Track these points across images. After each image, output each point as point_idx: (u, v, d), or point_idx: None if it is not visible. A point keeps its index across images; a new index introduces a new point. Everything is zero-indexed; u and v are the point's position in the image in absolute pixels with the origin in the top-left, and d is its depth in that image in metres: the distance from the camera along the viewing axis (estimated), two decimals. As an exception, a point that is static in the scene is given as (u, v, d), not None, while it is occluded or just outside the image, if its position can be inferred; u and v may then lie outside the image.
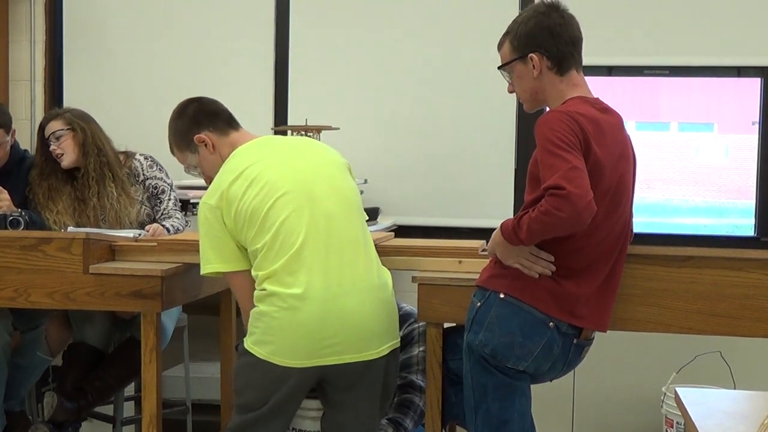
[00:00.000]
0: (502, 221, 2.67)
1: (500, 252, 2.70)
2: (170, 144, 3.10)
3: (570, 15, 2.78)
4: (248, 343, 2.77)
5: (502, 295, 2.68)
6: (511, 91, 2.89)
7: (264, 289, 2.73)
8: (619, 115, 2.78)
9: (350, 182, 2.98)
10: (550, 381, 2.86)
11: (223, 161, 2.91)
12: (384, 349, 2.81)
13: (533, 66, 2.75)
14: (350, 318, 2.73)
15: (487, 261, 2.83)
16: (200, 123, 2.98)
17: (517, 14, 2.94)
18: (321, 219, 2.76)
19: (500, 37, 2.87)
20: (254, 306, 2.77)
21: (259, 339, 2.73)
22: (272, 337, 2.71)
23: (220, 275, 2.87)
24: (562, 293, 2.65)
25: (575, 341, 2.72)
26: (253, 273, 2.78)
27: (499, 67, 2.87)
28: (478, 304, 2.72)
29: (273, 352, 2.70)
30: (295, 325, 2.68)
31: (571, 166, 2.48)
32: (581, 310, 2.68)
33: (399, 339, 2.93)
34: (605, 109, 2.74)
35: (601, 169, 2.60)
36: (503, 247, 2.68)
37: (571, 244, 2.62)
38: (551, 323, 2.66)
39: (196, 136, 2.97)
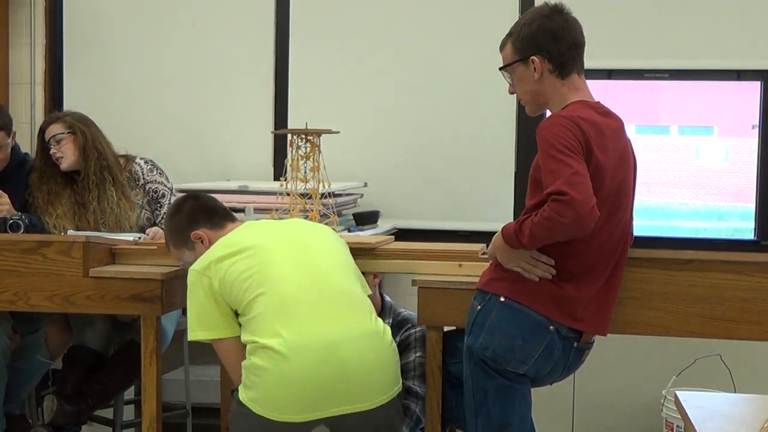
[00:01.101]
0: (504, 225, 2.68)
1: (501, 255, 2.70)
2: (166, 241, 3.09)
3: (573, 18, 2.78)
4: (243, 396, 2.67)
5: (502, 299, 2.68)
6: (511, 93, 2.90)
7: (255, 342, 2.65)
8: (620, 118, 2.79)
9: (345, 249, 2.95)
10: (550, 384, 2.86)
11: None
12: (388, 396, 2.74)
13: (534, 68, 2.75)
14: (350, 366, 2.64)
15: (487, 264, 2.84)
16: (197, 220, 2.96)
17: (518, 17, 2.94)
18: (314, 270, 2.75)
19: (502, 38, 2.87)
20: (246, 359, 2.70)
21: (255, 395, 2.64)
22: (266, 392, 2.62)
23: (207, 341, 2.83)
24: (562, 296, 2.65)
25: (575, 345, 2.73)
26: (242, 325, 2.73)
27: (500, 68, 2.87)
28: (478, 307, 2.72)
29: (270, 408, 2.61)
30: (291, 378, 2.60)
31: (574, 171, 2.48)
32: (582, 314, 2.69)
33: (401, 383, 2.87)
34: (606, 113, 2.75)
35: (602, 173, 2.61)
36: (504, 250, 2.68)
37: (572, 248, 2.62)
38: (551, 326, 2.66)
39: (193, 233, 2.96)
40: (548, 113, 2.83)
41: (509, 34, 2.83)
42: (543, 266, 2.65)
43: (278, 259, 2.75)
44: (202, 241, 2.95)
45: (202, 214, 2.97)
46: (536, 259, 2.65)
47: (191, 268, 2.81)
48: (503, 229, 2.66)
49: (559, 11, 2.77)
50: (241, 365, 2.72)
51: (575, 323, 2.69)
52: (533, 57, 2.74)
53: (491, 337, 2.67)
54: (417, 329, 3.24)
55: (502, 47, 2.86)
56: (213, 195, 3.16)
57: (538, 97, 2.79)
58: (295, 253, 2.77)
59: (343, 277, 2.81)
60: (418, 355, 3.24)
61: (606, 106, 2.79)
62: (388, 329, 2.84)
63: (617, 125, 2.76)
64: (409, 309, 3.44)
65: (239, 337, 2.75)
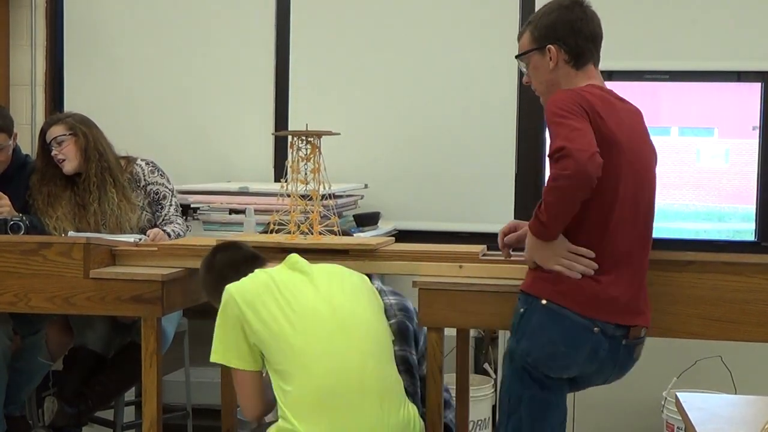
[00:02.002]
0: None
1: (538, 256, 2.62)
2: (204, 295, 3.08)
3: (592, 12, 2.78)
4: None
5: (543, 302, 2.60)
6: (527, 83, 2.88)
7: (292, 426, 2.62)
8: (637, 108, 2.76)
9: (380, 308, 2.91)
10: (604, 383, 2.78)
11: None
12: None
13: (550, 58, 2.74)
14: None
15: (480, 263, 2.82)
16: (226, 276, 2.90)
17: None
18: (353, 355, 2.69)
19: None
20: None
21: None
22: None
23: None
24: (604, 293, 2.58)
25: (624, 342, 2.65)
26: (275, 389, 2.70)
27: (516, 56, 2.85)
28: (522, 309, 2.65)
29: None
30: None
31: (571, 128, 2.45)
32: (624, 307, 2.62)
33: None
34: (621, 99, 2.73)
35: (616, 142, 2.55)
36: (537, 248, 2.61)
37: (605, 236, 2.57)
38: (596, 328, 2.58)
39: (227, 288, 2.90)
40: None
41: (528, 23, 2.82)
42: (583, 260, 2.57)
43: (316, 333, 2.69)
44: None
45: (230, 270, 2.91)
46: (574, 253, 2.57)
47: (228, 287, 2.78)
48: (529, 225, 2.61)
49: (579, 3, 2.76)
50: (255, 397, 2.75)
51: (621, 319, 2.61)
52: (550, 46, 2.73)
53: (533, 342, 2.61)
54: (392, 321, 3.20)
55: (520, 36, 2.84)
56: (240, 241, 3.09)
57: (553, 87, 2.76)
58: (334, 329, 2.71)
59: (380, 364, 2.75)
60: (396, 348, 3.20)
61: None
62: (419, 419, 2.82)
63: (633, 109, 2.74)
64: (396, 292, 3.41)
65: (260, 372, 2.76)
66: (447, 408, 3.39)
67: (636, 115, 2.75)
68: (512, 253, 3.02)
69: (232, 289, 2.76)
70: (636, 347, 2.72)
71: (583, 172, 2.40)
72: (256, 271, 2.84)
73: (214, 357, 2.78)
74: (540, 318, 2.61)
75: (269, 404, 2.82)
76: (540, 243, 2.60)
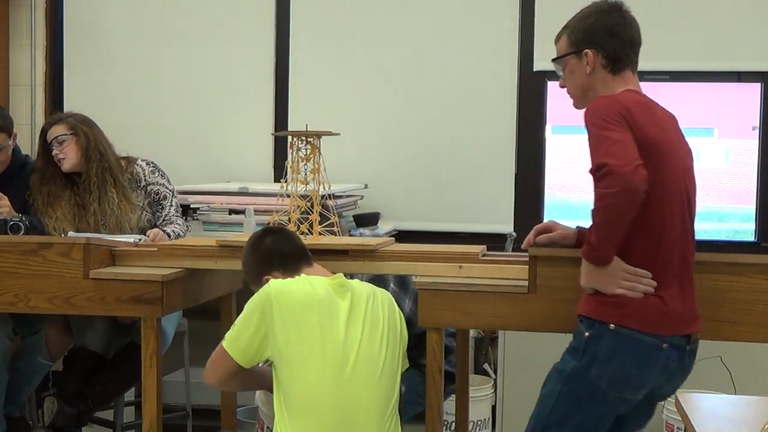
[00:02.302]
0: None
1: (596, 282, 2.57)
2: (243, 269, 3.06)
3: (631, 17, 2.78)
4: None
5: (612, 326, 2.55)
6: (562, 86, 2.83)
7: None
8: (674, 115, 2.75)
9: (400, 344, 2.87)
10: (673, 392, 2.74)
11: None
12: None
13: (587, 62, 2.72)
14: None
15: (479, 263, 2.82)
16: (270, 263, 2.91)
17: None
18: (362, 412, 2.71)
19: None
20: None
21: None
22: None
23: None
24: (668, 308, 2.54)
25: (688, 348, 2.62)
26: (276, 406, 2.74)
27: (553, 60, 2.83)
28: (587, 333, 2.60)
29: None
30: None
31: (611, 141, 2.42)
32: (686, 317, 2.60)
33: None
34: (657, 104, 2.71)
35: (658, 148, 2.52)
36: (595, 274, 2.56)
37: (660, 247, 2.54)
38: (665, 344, 2.55)
39: (264, 277, 2.90)
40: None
41: (565, 27, 2.81)
42: (644, 280, 2.53)
43: (332, 376, 2.69)
44: None
45: (277, 258, 2.91)
46: (632, 274, 2.53)
47: (271, 283, 2.77)
48: (582, 252, 2.56)
49: (617, 8, 2.76)
50: (220, 377, 2.83)
51: (685, 329, 2.59)
52: (587, 50, 2.71)
53: (605, 368, 2.56)
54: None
55: (557, 40, 2.83)
56: (289, 235, 3.04)
57: (588, 92, 2.73)
58: (350, 377, 2.70)
59: (377, 420, 2.75)
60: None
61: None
62: None
63: (670, 115, 2.71)
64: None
65: (243, 368, 2.78)
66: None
67: (673, 119, 2.73)
68: (512, 253, 3.02)
69: (273, 289, 2.74)
70: (696, 349, 2.69)
71: (629, 188, 2.36)
72: (303, 276, 2.82)
73: (226, 342, 2.78)
74: (610, 343, 2.55)
75: (229, 388, 3.00)
76: (596, 269, 2.54)
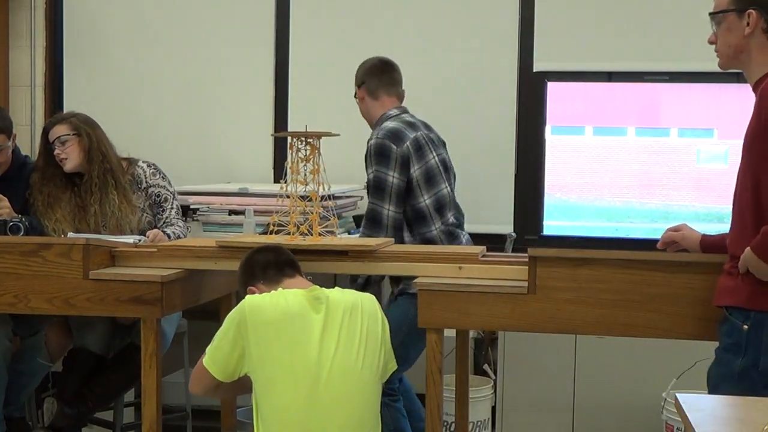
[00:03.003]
0: (749, 248, 2.50)
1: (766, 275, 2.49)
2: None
3: None
4: None
5: None
6: (711, 42, 2.75)
7: None
8: None
9: (377, 385, 2.84)
10: None
11: None
12: None
13: (748, 23, 2.63)
14: None
15: (479, 264, 2.82)
16: (254, 274, 2.95)
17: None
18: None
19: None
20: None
21: None
22: None
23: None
24: None
25: None
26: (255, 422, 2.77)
27: (710, 14, 2.73)
28: (745, 327, 2.53)
29: None
30: None
31: None
32: None
33: None
34: None
35: None
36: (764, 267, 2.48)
37: None
38: None
39: (249, 288, 2.94)
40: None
41: None
42: None
43: (304, 396, 2.70)
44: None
45: (259, 269, 2.95)
46: None
47: (244, 302, 2.79)
48: (754, 250, 2.48)
49: None
50: (202, 389, 2.87)
51: None
52: (751, 11, 2.62)
53: None
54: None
55: None
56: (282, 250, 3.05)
57: (740, 54, 2.65)
58: (321, 396, 2.70)
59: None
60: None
61: None
62: None
63: None
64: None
65: (220, 382, 2.81)
66: None
67: None
68: (511, 253, 3.02)
69: (247, 306, 2.76)
70: None
71: None
72: (279, 290, 2.82)
73: (206, 358, 2.82)
74: None
75: (215, 396, 3.02)
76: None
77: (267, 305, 2.76)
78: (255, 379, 2.75)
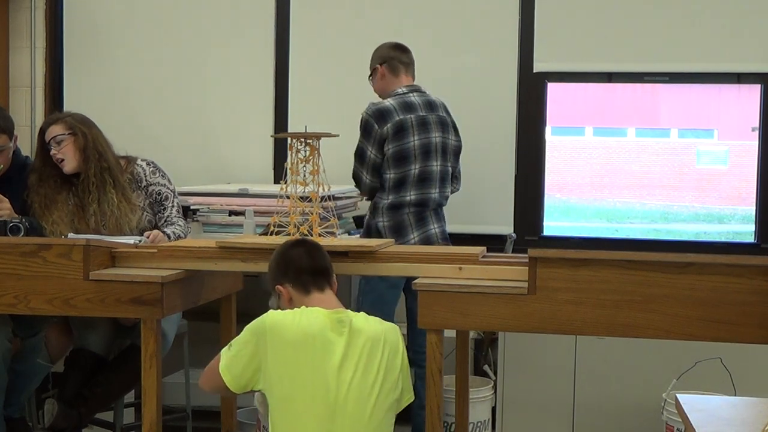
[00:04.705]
0: None
1: None
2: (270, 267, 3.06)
3: None
4: None
5: None
6: None
7: None
8: None
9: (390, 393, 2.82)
10: None
11: None
12: None
13: None
14: None
15: (486, 269, 2.82)
16: (286, 273, 2.92)
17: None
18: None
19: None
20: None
21: None
22: None
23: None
24: None
25: None
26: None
27: None
28: None
29: None
30: None
31: None
32: None
33: None
34: None
35: None
36: None
37: None
38: None
39: (277, 286, 2.92)
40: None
41: None
42: None
43: (318, 423, 2.69)
44: (283, 296, 2.93)
45: (293, 271, 2.91)
46: None
47: (265, 320, 2.76)
48: None
49: None
50: (212, 388, 2.85)
51: None
52: None
53: None
54: None
55: None
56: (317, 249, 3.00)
57: None
58: (325, 411, 2.69)
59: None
60: None
61: None
62: None
63: None
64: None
65: (231, 389, 2.80)
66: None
67: None
68: (512, 254, 3.02)
69: (269, 322, 2.74)
70: None
71: None
72: (301, 310, 2.79)
73: (222, 365, 2.78)
74: None
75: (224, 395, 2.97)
76: None
77: (289, 324, 2.73)
78: (270, 395, 2.72)
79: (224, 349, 2.82)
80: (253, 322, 2.78)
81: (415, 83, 4.26)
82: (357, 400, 2.70)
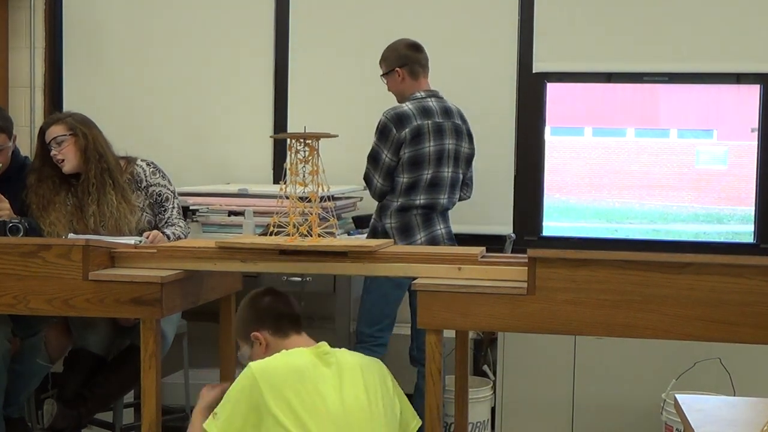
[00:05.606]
0: None
1: None
2: (234, 326, 3.06)
3: None
4: None
5: None
6: None
7: None
8: None
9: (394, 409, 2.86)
10: None
11: None
12: None
13: None
14: None
15: (479, 265, 2.82)
16: (263, 321, 2.93)
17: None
18: None
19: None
20: None
21: None
22: None
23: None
24: None
25: None
26: None
27: None
28: None
29: None
30: None
31: None
32: None
33: None
34: None
35: None
36: None
37: None
38: None
39: (253, 333, 2.93)
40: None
41: None
42: None
43: None
44: (260, 343, 2.93)
45: (272, 317, 2.93)
46: None
47: (251, 366, 2.73)
48: None
49: None
50: None
51: None
52: None
53: None
54: None
55: None
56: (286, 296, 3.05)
57: None
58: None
59: None
60: None
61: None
62: None
63: None
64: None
65: None
66: None
67: None
68: (511, 254, 3.02)
69: (256, 371, 2.71)
70: None
71: None
72: (282, 352, 2.81)
73: (209, 425, 2.73)
74: None
75: None
76: None
77: (277, 365, 2.73)
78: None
79: (208, 421, 2.74)
80: (234, 383, 2.74)
81: (432, 87, 4.27)
82: (367, 421, 2.73)
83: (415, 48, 4.25)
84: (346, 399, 2.73)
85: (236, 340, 3.05)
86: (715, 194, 4.90)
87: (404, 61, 4.22)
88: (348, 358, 2.86)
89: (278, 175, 4.83)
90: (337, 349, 2.87)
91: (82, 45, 5.31)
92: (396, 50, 4.26)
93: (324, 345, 2.85)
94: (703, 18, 4.75)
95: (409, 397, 4.32)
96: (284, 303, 3.02)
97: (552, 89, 4.92)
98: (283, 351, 2.82)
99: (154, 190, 3.86)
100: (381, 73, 4.29)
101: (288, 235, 3.24)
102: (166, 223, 3.83)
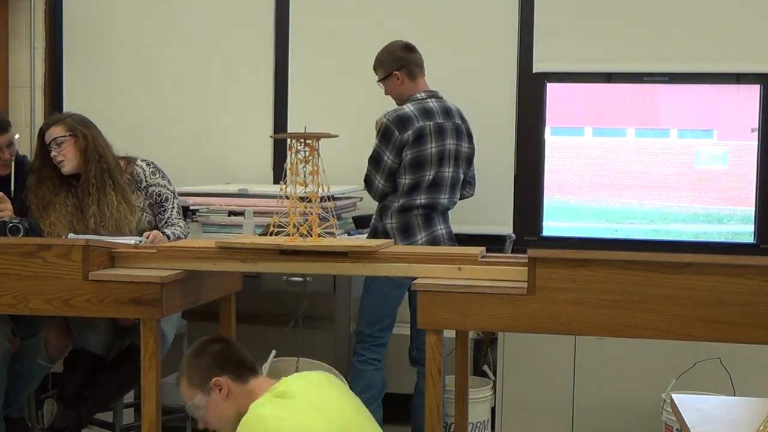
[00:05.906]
0: None
1: None
2: (180, 378, 2.94)
3: None
4: None
5: None
6: None
7: None
8: None
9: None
10: None
11: (237, 411, 2.74)
12: None
13: None
14: None
15: (479, 265, 2.82)
16: (224, 367, 2.84)
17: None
18: None
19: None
20: None
21: None
22: None
23: None
24: None
25: None
26: None
27: None
28: None
29: None
30: None
31: None
32: None
33: None
34: None
35: None
36: None
37: None
38: None
39: (215, 379, 2.83)
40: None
41: None
42: None
43: None
44: (220, 390, 2.83)
45: (230, 363, 2.86)
46: None
47: (259, 412, 2.65)
48: None
49: None
50: None
51: None
52: None
53: None
54: None
55: None
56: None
57: None
58: None
59: None
60: None
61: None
62: None
63: None
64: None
65: None
66: None
67: None
68: (511, 254, 3.03)
69: (259, 411, 2.65)
70: None
71: None
72: (253, 403, 2.71)
73: None
74: None
75: None
76: None
77: (267, 416, 2.65)
78: None
79: None
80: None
81: (431, 87, 4.26)
82: (368, 421, 2.79)
83: (410, 49, 4.25)
84: (344, 410, 2.74)
85: (184, 390, 2.90)
86: (715, 194, 4.90)
87: (402, 63, 4.21)
88: (305, 379, 2.80)
89: (278, 175, 4.83)
90: (289, 377, 2.80)
91: (82, 45, 5.32)
92: (391, 53, 4.25)
93: (278, 384, 2.77)
94: (703, 18, 4.75)
95: (409, 397, 4.38)
96: (238, 349, 2.93)
97: (552, 89, 4.92)
98: (254, 403, 2.71)
99: (154, 190, 3.86)
100: (378, 78, 4.28)
101: (288, 235, 3.24)
102: (166, 223, 3.83)
